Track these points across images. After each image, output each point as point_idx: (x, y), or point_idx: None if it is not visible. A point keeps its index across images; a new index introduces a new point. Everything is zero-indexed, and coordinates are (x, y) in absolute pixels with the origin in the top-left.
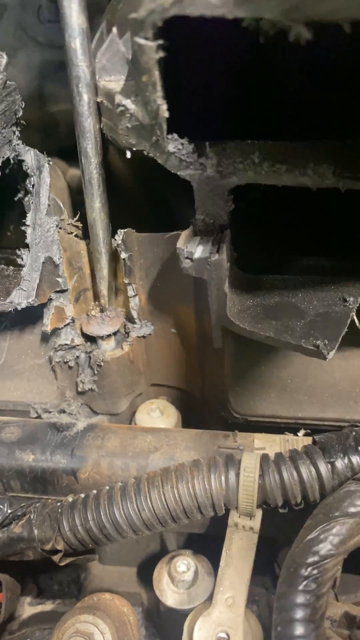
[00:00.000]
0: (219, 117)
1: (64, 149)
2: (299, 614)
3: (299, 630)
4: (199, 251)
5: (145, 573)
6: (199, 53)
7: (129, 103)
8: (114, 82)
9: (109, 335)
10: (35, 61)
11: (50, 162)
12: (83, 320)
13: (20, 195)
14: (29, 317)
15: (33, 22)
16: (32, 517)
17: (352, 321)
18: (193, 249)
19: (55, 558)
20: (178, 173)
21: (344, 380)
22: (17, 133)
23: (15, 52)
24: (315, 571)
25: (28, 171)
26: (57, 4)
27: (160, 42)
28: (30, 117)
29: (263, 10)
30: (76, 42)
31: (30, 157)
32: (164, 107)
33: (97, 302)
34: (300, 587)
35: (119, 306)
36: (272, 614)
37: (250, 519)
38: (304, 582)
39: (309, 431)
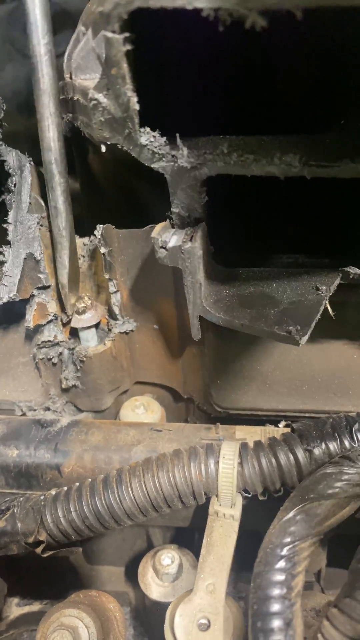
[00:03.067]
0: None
1: None
2: (275, 591)
3: (275, 607)
4: (173, 240)
5: (133, 573)
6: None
7: (101, 97)
8: (89, 79)
9: (89, 327)
10: (22, 74)
11: (32, 162)
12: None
13: (3, 195)
14: (14, 316)
15: (20, 36)
16: (15, 511)
17: (328, 313)
18: (167, 238)
19: (38, 550)
20: (151, 165)
21: (323, 372)
22: None
23: (3, 65)
24: (290, 551)
25: (10, 171)
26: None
27: (127, 34)
28: (18, 128)
29: (220, 0)
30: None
31: (11, 157)
32: (135, 99)
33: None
34: (276, 566)
35: (101, 303)
36: (249, 594)
37: (231, 507)
38: (280, 561)
39: (289, 422)
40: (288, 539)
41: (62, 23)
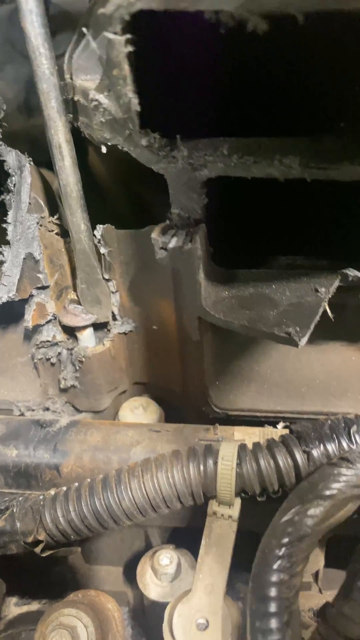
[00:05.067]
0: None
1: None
2: (273, 591)
3: (273, 607)
4: (173, 241)
5: (131, 572)
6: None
7: (102, 98)
8: (89, 80)
9: (85, 327)
10: (22, 74)
11: (31, 162)
12: (61, 313)
13: (2, 195)
14: (12, 315)
15: (21, 37)
16: (14, 510)
17: (327, 315)
18: (167, 240)
19: (37, 549)
20: (152, 166)
21: (322, 374)
22: None
23: (3, 65)
24: (289, 551)
25: (9, 171)
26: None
27: (128, 36)
28: (18, 129)
29: (222, 3)
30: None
31: (11, 157)
32: (135, 100)
33: (75, 294)
34: (275, 567)
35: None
36: (248, 594)
37: (229, 507)
38: (278, 562)
39: (288, 424)
40: (286, 540)
41: (62, 24)
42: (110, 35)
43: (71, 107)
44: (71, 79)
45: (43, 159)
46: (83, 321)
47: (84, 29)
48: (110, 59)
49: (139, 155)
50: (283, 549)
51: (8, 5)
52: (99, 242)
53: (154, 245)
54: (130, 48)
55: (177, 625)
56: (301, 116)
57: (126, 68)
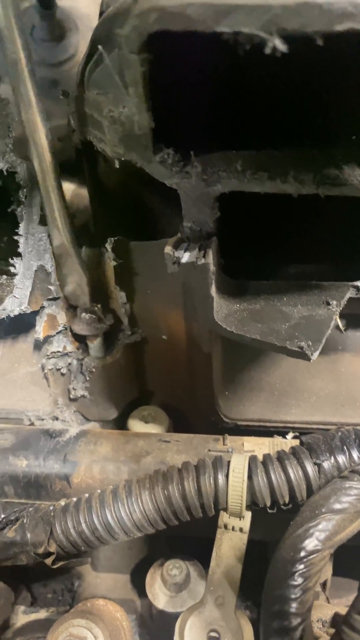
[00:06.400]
0: (207, 123)
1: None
2: (287, 607)
3: (287, 623)
4: (185, 256)
5: (139, 580)
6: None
7: (116, 114)
8: (103, 94)
9: (95, 336)
10: None
11: None
12: (73, 321)
13: (13, 206)
14: (22, 325)
15: (27, 41)
16: (25, 521)
17: (338, 326)
18: (180, 255)
19: (48, 561)
20: (165, 182)
21: (331, 384)
22: (10, 145)
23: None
24: (302, 566)
25: (20, 182)
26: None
27: (145, 55)
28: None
29: (240, 25)
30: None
31: (22, 169)
32: (150, 117)
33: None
34: (289, 582)
35: (110, 313)
36: (260, 609)
37: (240, 519)
38: (292, 577)
39: (297, 434)
40: (299, 555)
41: (68, 28)
42: (127, 55)
43: (83, 121)
44: (84, 92)
45: None
46: (94, 330)
47: (100, 47)
48: (125, 77)
49: (152, 171)
50: (296, 564)
51: None
52: (110, 254)
53: (167, 259)
54: (146, 66)
55: (189, 637)
56: (313, 127)
57: (142, 86)
